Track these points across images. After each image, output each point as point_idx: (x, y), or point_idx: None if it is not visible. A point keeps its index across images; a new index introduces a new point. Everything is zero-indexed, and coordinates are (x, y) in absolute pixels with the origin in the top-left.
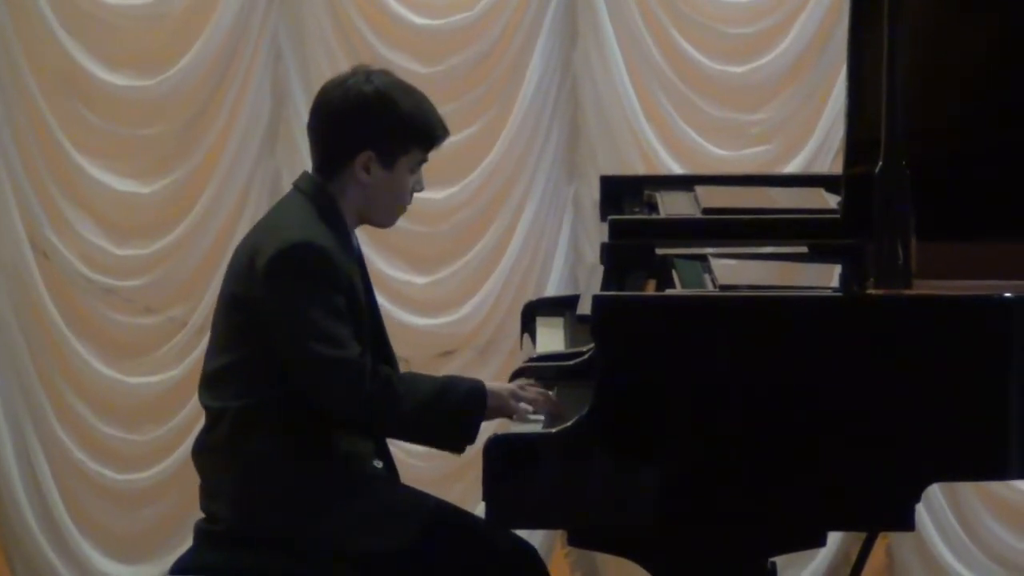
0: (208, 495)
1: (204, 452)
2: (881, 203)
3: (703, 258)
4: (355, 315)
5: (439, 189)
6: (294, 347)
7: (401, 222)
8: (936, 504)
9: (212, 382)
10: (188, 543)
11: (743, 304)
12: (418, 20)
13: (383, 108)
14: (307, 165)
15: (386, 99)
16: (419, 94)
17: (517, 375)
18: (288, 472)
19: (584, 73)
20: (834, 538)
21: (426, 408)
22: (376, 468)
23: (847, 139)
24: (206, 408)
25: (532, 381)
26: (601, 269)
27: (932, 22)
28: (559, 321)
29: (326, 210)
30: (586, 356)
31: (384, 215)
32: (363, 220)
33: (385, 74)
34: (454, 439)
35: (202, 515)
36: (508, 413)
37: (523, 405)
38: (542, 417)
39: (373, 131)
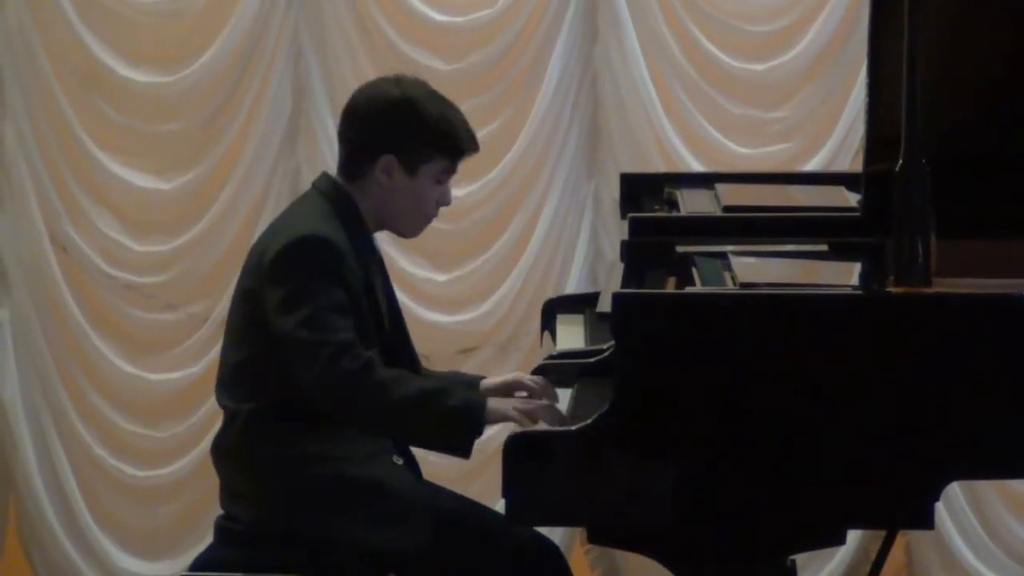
0: (227, 495)
1: (220, 452)
2: (901, 201)
3: (723, 256)
4: (359, 312)
5: (459, 187)
6: (284, 331)
7: None
8: (956, 502)
9: (226, 381)
10: (208, 539)
11: (763, 302)
12: (439, 17)
13: (407, 112)
14: (328, 161)
15: (411, 103)
16: (448, 103)
17: (538, 373)
18: (304, 472)
19: (604, 70)
20: (854, 536)
21: (413, 404)
22: (396, 464)
23: (867, 137)
24: (222, 407)
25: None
26: (621, 267)
27: (953, 19)
28: (579, 319)
29: (343, 209)
30: (606, 354)
31: (405, 223)
32: (384, 226)
33: (416, 81)
34: (441, 444)
35: (222, 512)
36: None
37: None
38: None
39: (396, 134)
